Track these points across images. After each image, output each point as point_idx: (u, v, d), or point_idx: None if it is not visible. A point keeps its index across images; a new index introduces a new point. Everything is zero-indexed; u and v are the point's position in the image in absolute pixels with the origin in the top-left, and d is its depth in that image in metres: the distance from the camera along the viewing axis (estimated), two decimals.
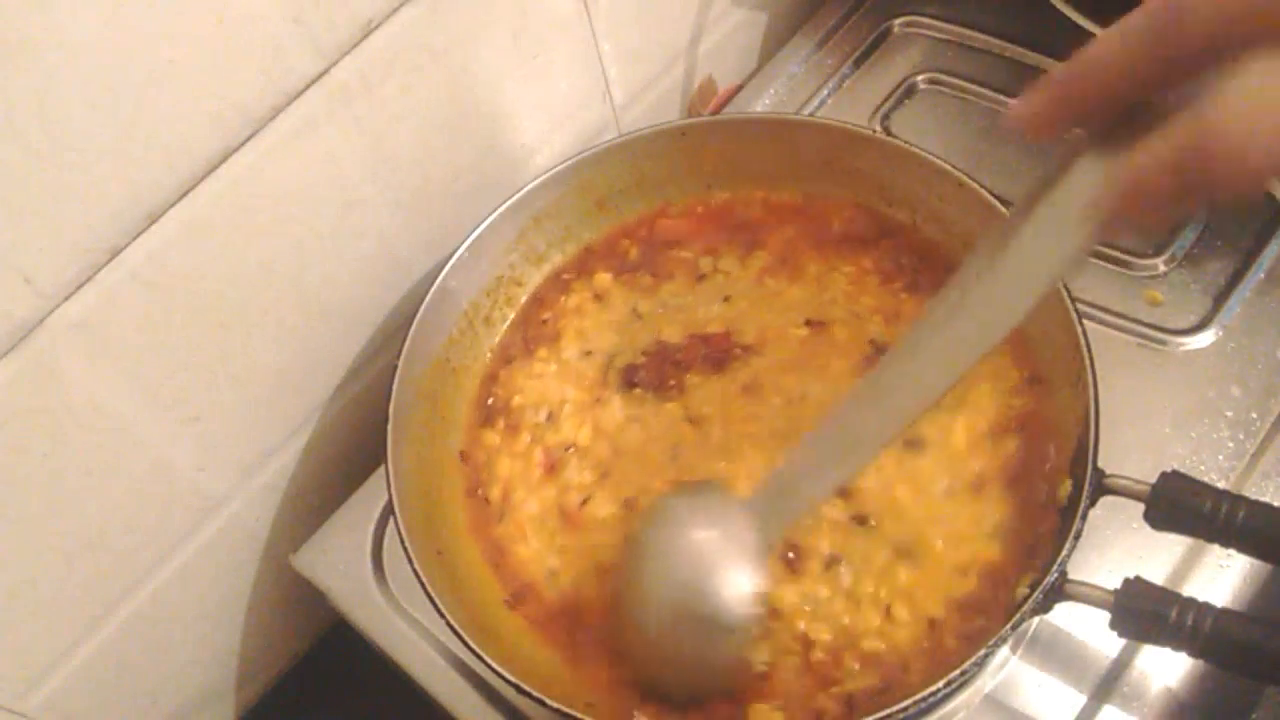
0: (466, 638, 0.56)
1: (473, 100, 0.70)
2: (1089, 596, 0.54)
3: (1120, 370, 0.64)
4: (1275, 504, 0.54)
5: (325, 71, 0.59)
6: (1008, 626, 0.53)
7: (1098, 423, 0.56)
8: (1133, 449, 0.67)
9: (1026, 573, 0.57)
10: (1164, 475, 0.55)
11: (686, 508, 0.57)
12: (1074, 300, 0.59)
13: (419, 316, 0.67)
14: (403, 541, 0.59)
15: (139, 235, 0.55)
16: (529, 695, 0.54)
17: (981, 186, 0.65)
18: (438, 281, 0.68)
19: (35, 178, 0.50)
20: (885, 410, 0.49)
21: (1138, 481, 0.56)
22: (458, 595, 0.60)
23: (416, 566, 0.58)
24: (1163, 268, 0.75)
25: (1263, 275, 0.74)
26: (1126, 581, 0.54)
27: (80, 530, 0.61)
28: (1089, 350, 0.58)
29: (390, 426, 0.63)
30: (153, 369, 0.60)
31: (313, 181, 0.63)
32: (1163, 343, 0.72)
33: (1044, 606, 0.55)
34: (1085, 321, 0.60)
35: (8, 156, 0.48)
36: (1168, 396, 0.70)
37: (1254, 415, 0.69)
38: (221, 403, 0.66)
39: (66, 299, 0.54)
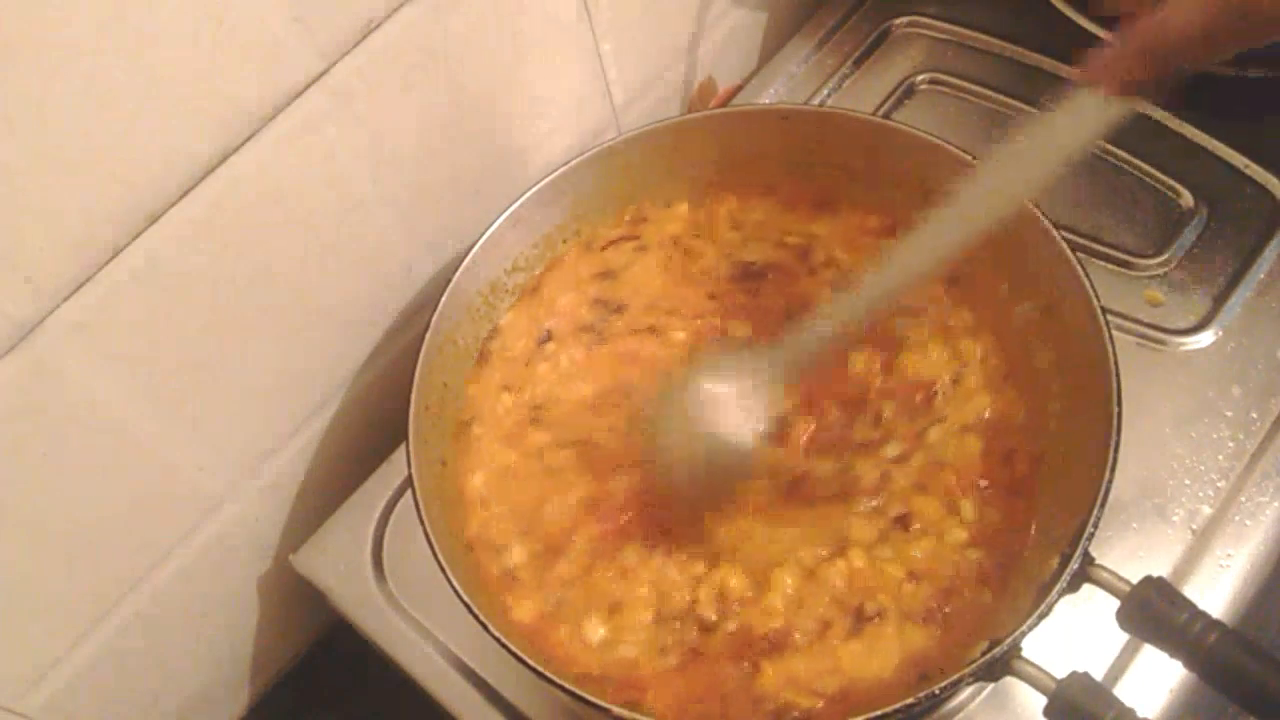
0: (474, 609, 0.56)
1: (473, 100, 0.70)
2: (1033, 679, 0.52)
3: (1120, 370, 0.63)
4: (1247, 635, 0.51)
5: (325, 71, 0.59)
6: (938, 686, 0.51)
7: (1103, 509, 0.54)
8: (1132, 449, 0.67)
9: (988, 635, 0.55)
10: (1146, 580, 0.53)
11: (715, 358, 0.66)
12: (1119, 385, 0.57)
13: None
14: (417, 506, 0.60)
15: (139, 235, 0.55)
16: (538, 672, 0.54)
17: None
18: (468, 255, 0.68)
19: (35, 178, 0.50)
20: (908, 259, 0.55)
21: (1119, 578, 0.53)
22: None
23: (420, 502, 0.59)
24: (1163, 268, 0.75)
25: (1263, 275, 0.74)
26: (1072, 675, 0.52)
27: (80, 530, 0.61)
28: (1118, 433, 0.56)
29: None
30: (153, 369, 0.60)
31: (313, 181, 0.63)
32: (1163, 343, 0.72)
33: (990, 676, 0.54)
34: None
35: (8, 156, 0.48)
36: (1168, 396, 0.70)
37: (1254, 415, 0.69)
38: (221, 403, 0.66)
39: (66, 299, 0.54)
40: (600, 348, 0.71)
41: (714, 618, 0.60)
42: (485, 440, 0.68)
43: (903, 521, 0.61)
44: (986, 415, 0.64)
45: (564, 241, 0.74)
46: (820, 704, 0.57)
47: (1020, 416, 0.64)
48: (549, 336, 0.72)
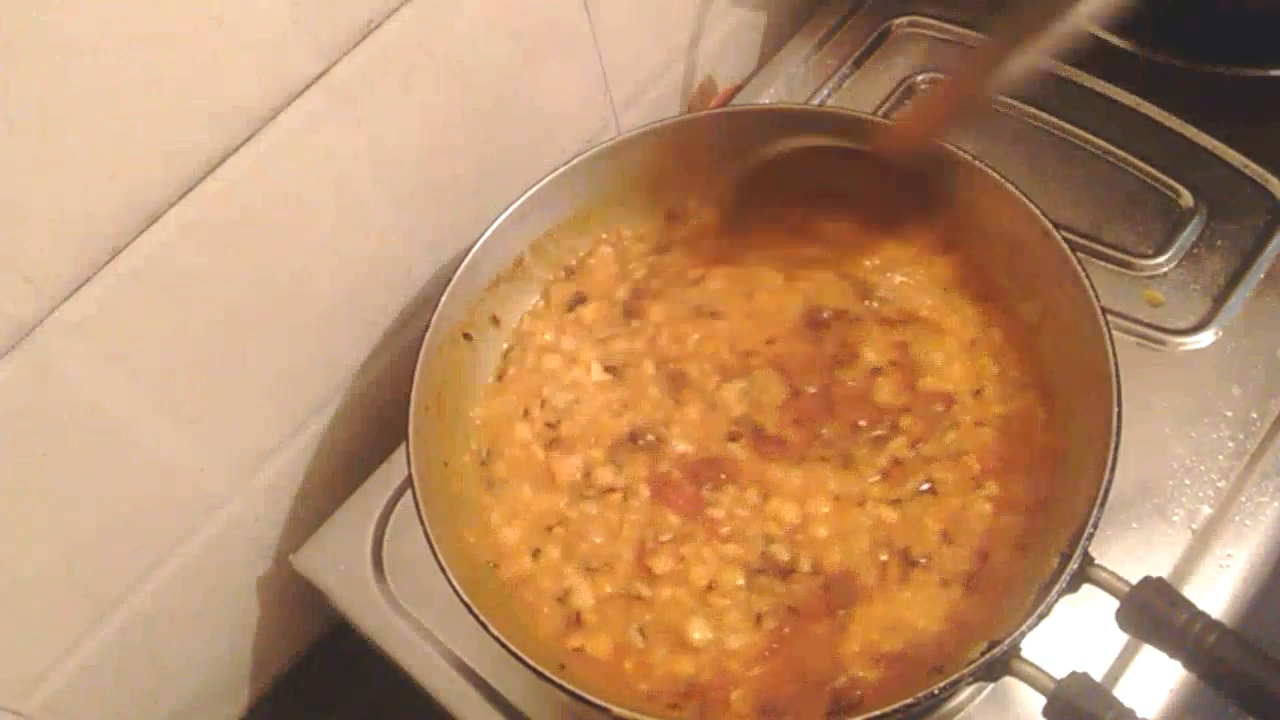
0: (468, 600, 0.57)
1: (472, 100, 0.70)
2: (1032, 679, 0.53)
3: (1121, 370, 0.64)
4: (1247, 635, 0.51)
5: (325, 71, 0.59)
6: (938, 686, 0.51)
7: (1102, 508, 0.54)
8: (1132, 449, 0.67)
9: (988, 635, 0.55)
10: (1145, 580, 0.53)
11: None
12: (1119, 387, 0.58)
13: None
14: (416, 502, 0.60)
15: (139, 235, 0.55)
16: (538, 672, 0.54)
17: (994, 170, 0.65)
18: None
19: (35, 178, 0.50)
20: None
21: (1119, 579, 0.54)
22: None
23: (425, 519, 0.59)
24: (1163, 268, 0.75)
25: (1263, 275, 0.74)
26: (1071, 675, 0.52)
27: (80, 530, 0.61)
28: (1118, 433, 0.56)
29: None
30: (152, 369, 0.60)
31: (313, 182, 0.63)
32: (1163, 343, 0.72)
33: (989, 676, 0.54)
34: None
35: (8, 156, 0.48)
36: (1168, 396, 0.70)
37: (1254, 415, 0.69)
38: (221, 403, 0.66)
39: (66, 299, 0.54)
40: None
41: (787, 556, 0.62)
42: (512, 484, 0.67)
43: (931, 489, 0.63)
44: (1004, 412, 0.65)
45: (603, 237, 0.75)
46: (876, 674, 0.58)
47: (1041, 414, 0.64)
48: (582, 299, 0.72)
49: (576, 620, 0.62)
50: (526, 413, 0.69)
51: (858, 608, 0.60)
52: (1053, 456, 0.63)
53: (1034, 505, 0.61)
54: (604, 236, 0.75)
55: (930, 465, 0.64)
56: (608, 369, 0.70)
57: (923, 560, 0.61)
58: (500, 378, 0.71)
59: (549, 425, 0.69)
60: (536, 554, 0.64)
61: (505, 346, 0.72)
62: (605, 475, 0.66)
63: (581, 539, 0.65)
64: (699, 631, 0.61)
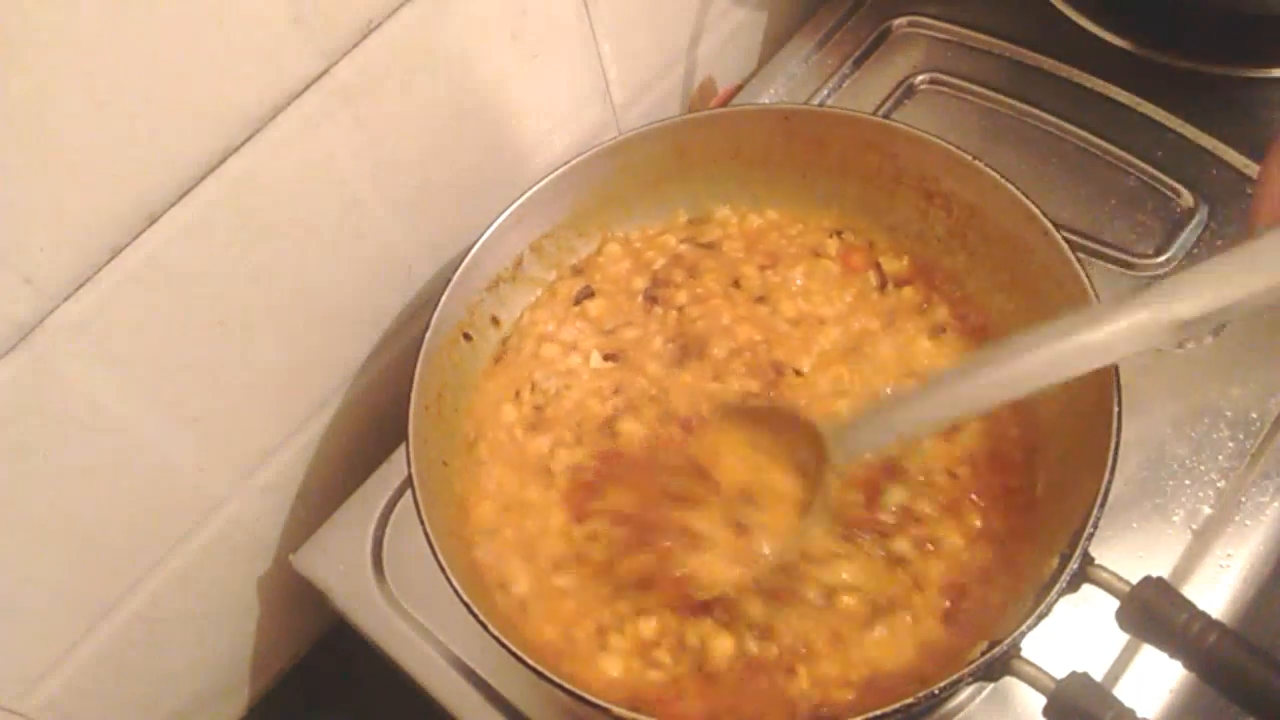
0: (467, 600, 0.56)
1: (473, 101, 0.70)
2: (1032, 679, 0.52)
3: (1120, 370, 0.64)
4: (1247, 635, 0.51)
5: (325, 71, 0.59)
6: (937, 686, 0.51)
7: (1102, 509, 0.54)
8: (1132, 449, 0.67)
9: (989, 635, 0.55)
10: (1145, 580, 0.53)
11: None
12: (1119, 387, 0.57)
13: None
14: (415, 499, 0.60)
15: (139, 235, 0.55)
16: (537, 671, 0.54)
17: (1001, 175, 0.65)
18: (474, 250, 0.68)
19: (35, 178, 0.50)
20: (986, 384, 0.54)
21: (1119, 579, 0.53)
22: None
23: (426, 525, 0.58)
24: (1163, 268, 0.75)
25: None
26: (1071, 675, 0.52)
27: (80, 530, 0.61)
28: (1118, 433, 0.56)
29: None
30: (153, 369, 0.60)
31: (313, 182, 0.63)
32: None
33: (989, 676, 0.54)
34: None
35: (8, 156, 0.48)
36: (1168, 396, 0.70)
37: (1254, 415, 0.69)
38: (221, 403, 0.66)
39: (66, 299, 0.54)
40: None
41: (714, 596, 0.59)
42: (489, 466, 0.67)
43: (919, 543, 0.61)
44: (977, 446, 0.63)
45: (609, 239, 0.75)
46: (851, 695, 0.57)
47: (1018, 456, 0.63)
48: (589, 293, 0.72)
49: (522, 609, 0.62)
50: (517, 395, 0.69)
51: (806, 665, 0.58)
52: (1024, 494, 0.61)
53: (1006, 534, 0.60)
54: (606, 235, 0.75)
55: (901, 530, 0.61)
56: (608, 356, 0.70)
57: (889, 607, 0.59)
58: (497, 361, 0.71)
59: (536, 409, 0.68)
60: (492, 535, 0.64)
61: (504, 335, 0.72)
62: (564, 457, 0.66)
63: (526, 522, 0.64)
64: (619, 645, 0.60)
